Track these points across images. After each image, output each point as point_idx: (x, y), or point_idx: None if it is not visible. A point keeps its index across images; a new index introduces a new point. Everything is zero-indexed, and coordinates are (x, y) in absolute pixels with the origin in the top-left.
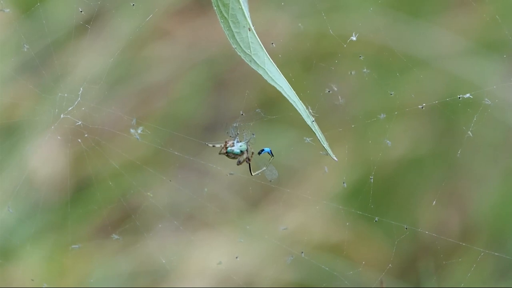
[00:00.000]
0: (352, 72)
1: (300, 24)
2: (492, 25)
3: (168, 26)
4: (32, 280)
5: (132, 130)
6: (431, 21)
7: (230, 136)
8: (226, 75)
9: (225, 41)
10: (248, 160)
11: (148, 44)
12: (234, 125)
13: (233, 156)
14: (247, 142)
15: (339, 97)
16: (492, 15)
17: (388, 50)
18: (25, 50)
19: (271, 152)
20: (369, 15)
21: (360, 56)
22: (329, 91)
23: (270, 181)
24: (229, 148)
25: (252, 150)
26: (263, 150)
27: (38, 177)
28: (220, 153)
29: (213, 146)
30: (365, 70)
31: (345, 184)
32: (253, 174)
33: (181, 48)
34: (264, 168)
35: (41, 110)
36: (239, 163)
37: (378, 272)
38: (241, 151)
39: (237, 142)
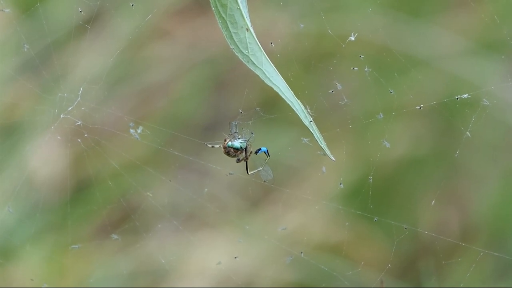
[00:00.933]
0: (354, 69)
1: (300, 24)
2: (492, 25)
3: (168, 26)
4: (32, 280)
5: (131, 131)
6: (431, 21)
7: (230, 134)
8: (226, 75)
9: (225, 41)
10: (246, 158)
11: (148, 44)
12: (234, 123)
13: (233, 154)
14: (247, 140)
15: (342, 97)
16: (491, 16)
17: (388, 50)
18: (25, 50)
19: (267, 152)
20: (369, 15)
21: (360, 56)
22: (332, 91)
23: (265, 181)
24: (229, 143)
25: (251, 149)
26: (260, 149)
27: (38, 177)
28: (225, 153)
29: (212, 146)
30: (366, 69)
31: (342, 185)
32: (249, 173)
33: (181, 48)
34: (260, 168)
35: (41, 110)
36: (239, 161)
37: (378, 272)
38: (241, 146)
39: (237, 138)
